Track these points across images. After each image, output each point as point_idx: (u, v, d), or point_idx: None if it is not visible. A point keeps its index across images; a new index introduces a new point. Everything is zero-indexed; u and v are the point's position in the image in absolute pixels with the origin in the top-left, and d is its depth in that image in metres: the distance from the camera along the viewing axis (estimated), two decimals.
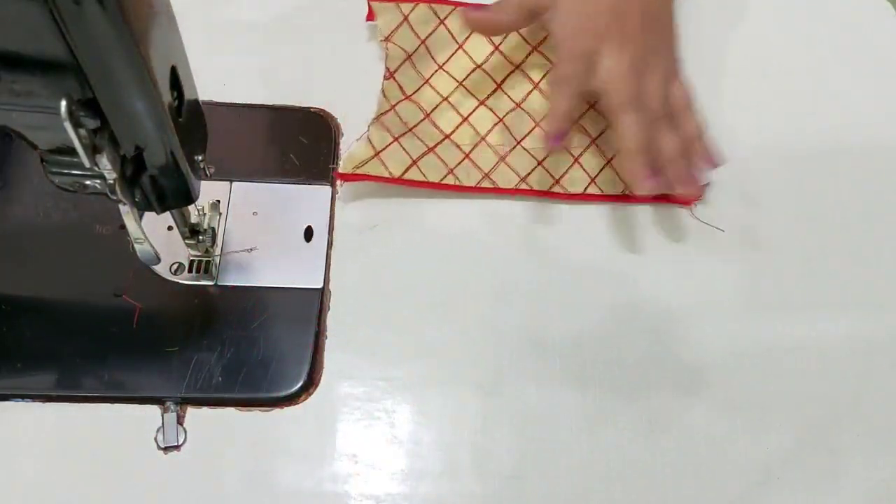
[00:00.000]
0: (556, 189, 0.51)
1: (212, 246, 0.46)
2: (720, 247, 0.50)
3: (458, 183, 0.50)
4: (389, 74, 0.53)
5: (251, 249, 0.47)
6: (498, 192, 0.50)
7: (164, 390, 0.43)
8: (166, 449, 0.42)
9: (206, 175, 0.39)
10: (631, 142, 0.47)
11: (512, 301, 0.48)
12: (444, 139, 0.51)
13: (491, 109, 0.53)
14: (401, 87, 0.53)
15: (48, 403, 0.43)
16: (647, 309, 0.48)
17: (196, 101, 0.38)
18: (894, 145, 0.55)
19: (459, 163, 0.51)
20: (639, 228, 0.51)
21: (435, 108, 0.53)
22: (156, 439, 0.42)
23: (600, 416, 0.45)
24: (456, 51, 0.54)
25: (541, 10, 0.50)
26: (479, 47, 0.54)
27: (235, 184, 0.49)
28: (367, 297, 0.47)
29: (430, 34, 0.55)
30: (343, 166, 0.49)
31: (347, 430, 0.44)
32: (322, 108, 0.53)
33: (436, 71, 0.54)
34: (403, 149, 0.50)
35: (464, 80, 0.54)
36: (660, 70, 0.49)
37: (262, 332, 0.45)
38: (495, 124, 0.52)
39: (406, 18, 0.54)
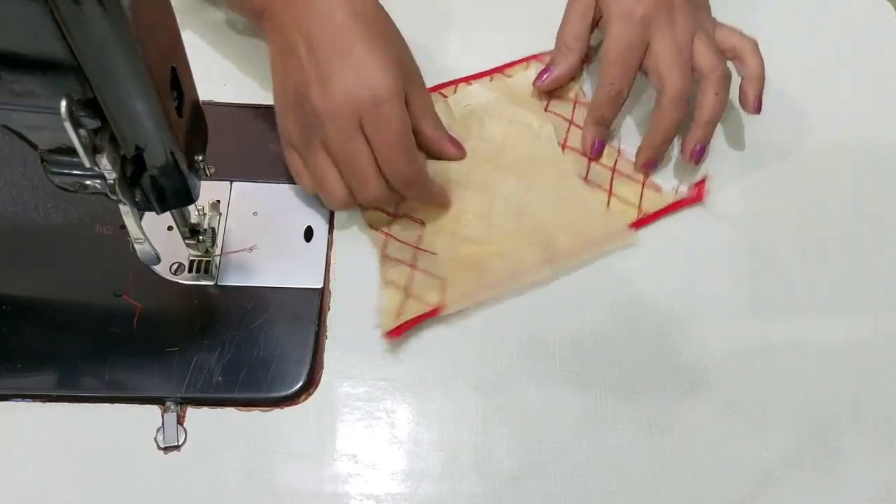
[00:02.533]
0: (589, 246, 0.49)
1: (212, 246, 0.46)
2: (720, 247, 0.50)
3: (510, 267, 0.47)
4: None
5: (251, 249, 0.47)
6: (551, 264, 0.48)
7: (165, 390, 0.43)
8: (166, 449, 0.42)
9: (206, 175, 0.39)
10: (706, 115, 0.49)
11: (512, 301, 0.48)
12: (462, 246, 0.48)
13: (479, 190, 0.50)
14: (383, 211, 0.49)
15: (48, 403, 0.43)
16: (647, 309, 0.48)
17: (196, 101, 0.38)
18: (894, 145, 0.55)
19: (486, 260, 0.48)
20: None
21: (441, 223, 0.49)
22: (156, 439, 0.42)
23: (600, 416, 0.45)
24: None
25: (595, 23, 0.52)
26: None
27: (235, 184, 0.49)
28: (367, 297, 0.47)
29: None
30: (383, 325, 0.45)
31: (347, 430, 0.44)
32: None
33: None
34: (424, 270, 0.47)
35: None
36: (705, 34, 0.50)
37: (262, 332, 0.45)
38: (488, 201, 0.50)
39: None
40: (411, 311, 0.45)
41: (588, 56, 0.54)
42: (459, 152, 0.50)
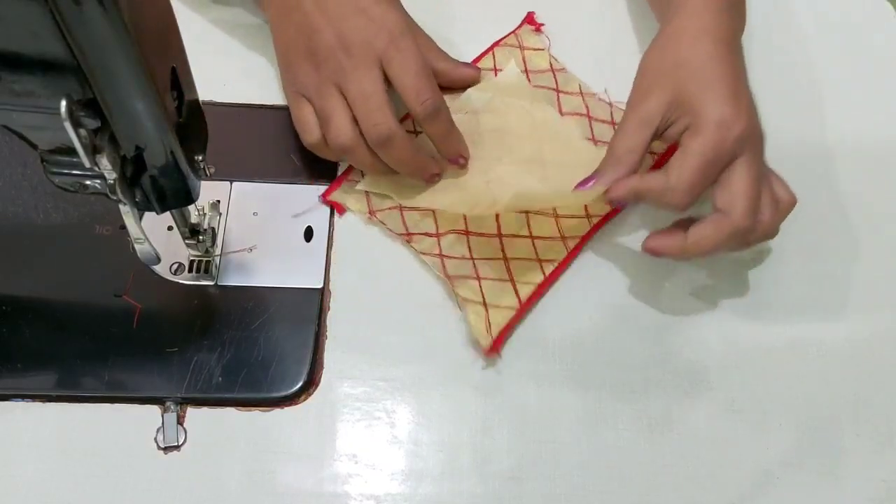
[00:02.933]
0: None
1: (212, 246, 0.46)
2: None
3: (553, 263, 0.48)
4: (408, 237, 0.49)
5: (251, 249, 0.47)
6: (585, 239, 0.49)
7: (164, 390, 0.43)
8: (166, 449, 0.42)
9: (206, 175, 0.39)
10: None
11: None
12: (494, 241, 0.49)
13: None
14: (426, 234, 0.49)
15: (48, 403, 0.43)
16: (647, 309, 0.48)
17: (196, 101, 0.38)
18: (894, 145, 0.55)
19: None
20: (639, 228, 0.51)
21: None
22: (156, 439, 0.42)
23: (600, 416, 0.45)
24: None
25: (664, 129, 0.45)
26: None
27: (235, 184, 0.49)
28: (367, 297, 0.47)
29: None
30: (481, 344, 0.45)
31: (347, 430, 0.44)
32: None
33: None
34: (488, 278, 0.47)
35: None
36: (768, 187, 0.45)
37: (262, 332, 0.45)
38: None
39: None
40: (498, 321, 0.46)
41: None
42: (476, 72, 0.53)
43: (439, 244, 0.48)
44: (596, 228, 0.50)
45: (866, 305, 0.49)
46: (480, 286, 0.47)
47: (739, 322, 0.48)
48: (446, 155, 0.49)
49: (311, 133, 0.47)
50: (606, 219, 0.50)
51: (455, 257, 0.48)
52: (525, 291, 0.47)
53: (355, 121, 0.45)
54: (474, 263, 0.48)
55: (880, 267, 0.50)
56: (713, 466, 0.44)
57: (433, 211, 0.49)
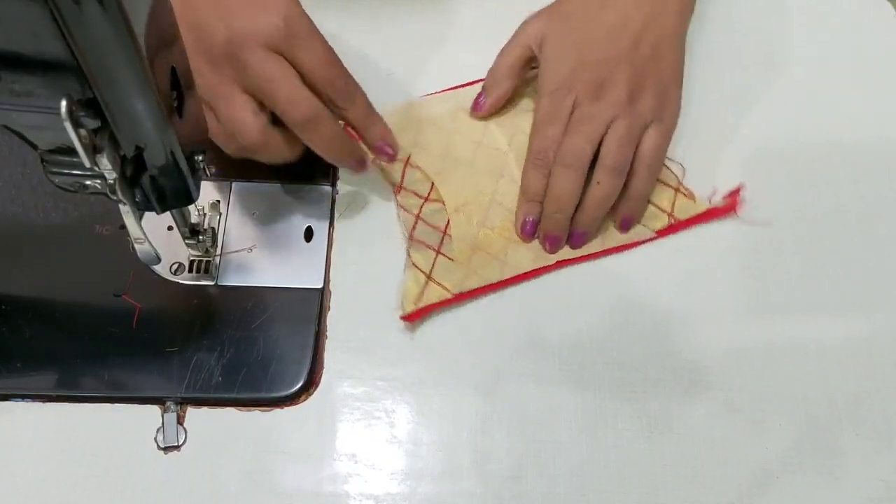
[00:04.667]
0: (611, 244, 0.49)
1: (212, 246, 0.46)
2: (720, 247, 0.50)
3: (516, 272, 0.48)
4: (398, 188, 0.50)
5: (251, 249, 0.47)
6: (558, 266, 0.48)
7: (164, 390, 0.43)
8: (166, 449, 0.42)
9: (206, 175, 0.39)
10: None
11: (512, 301, 0.48)
12: (480, 230, 0.49)
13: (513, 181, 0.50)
14: (415, 194, 0.50)
15: (48, 403, 0.43)
16: (647, 309, 0.48)
17: (196, 101, 0.38)
18: (894, 145, 0.55)
19: (504, 247, 0.49)
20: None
21: (460, 203, 0.50)
22: (156, 439, 0.42)
23: (600, 416, 0.45)
24: (452, 136, 0.52)
25: (529, 60, 0.51)
26: (474, 128, 0.52)
27: (235, 184, 0.49)
28: (367, 297, 0.47)
29: (421, 131, 0.52)
30: (403, 307, 0.46)
31: (347, 430, 0.44)
32: None
33: (440, 170, 0.51)
34: (449, 258, 0.47)
35: (472, 160, 0.51)
36: (633, 129, 0.48)
37: (262, 332, 0.45)
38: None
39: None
40: (430, 298, 0.46)
41: None
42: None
43: (421, 208, 0.49)
44: (568, 262, 0.49)
45: (866, 305, 0.49)
46: (435, 260, 0.47)
47: (739, 322, 0.48)
48: (371, 142, 0.47)
49: (220, 137, 0.43)
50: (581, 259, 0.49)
51: (429, 225, 0.48)
52: (472, 284, 0.47)
53: (262, 112, 0.42)
54: (443, 239, 0.48)
55: (880, 267, 0.50)
56: (713, 466, 0.44)
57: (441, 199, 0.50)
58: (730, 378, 0.46)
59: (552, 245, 0.48)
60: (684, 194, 0.51)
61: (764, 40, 0.58)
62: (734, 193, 0.51)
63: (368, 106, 0.46)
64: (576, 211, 0.48)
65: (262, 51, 0.41)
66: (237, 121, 0.42)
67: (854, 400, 0.46)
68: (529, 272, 0.48)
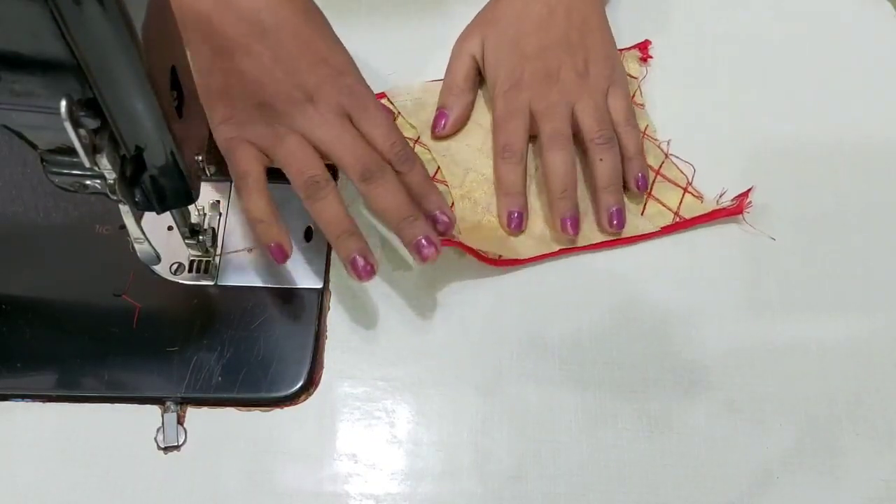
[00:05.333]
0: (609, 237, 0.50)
1: (212, 246, 0.46)
2: (720, 247, 0.50)
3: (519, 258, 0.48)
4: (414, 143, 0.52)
5: (251, 249, 0.47)
6: (560, 254, 0.49)
7: (164, 390, 0.43)
8: (166, 449, 0.42)
9: (206, 175, 0.39)
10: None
11: (512, 301, 0.48)
12: (484, 216, 0.50)
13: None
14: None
15: (48, 403, 0.43)
16: (647, 309, 0.48)
17: (196, 101, 0.38)
18: (894, 145, 0.55)
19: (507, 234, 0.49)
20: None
21: (466, 191, 0.51)
22: (156, 439, 0.42)
23: (600, 416, 0.45)
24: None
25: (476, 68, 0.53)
26: (484, 114, 0.53)
27: None
28: (367, 297, 0.47)
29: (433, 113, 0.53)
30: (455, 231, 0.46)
31: (347, 430, 0.44)
32: None
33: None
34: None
35: (480, 147, 0.52)
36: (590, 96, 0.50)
37: (262, 332, 0.45)
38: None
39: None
40: (470, 239, 0.47)
41: None
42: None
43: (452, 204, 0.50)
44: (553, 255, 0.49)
45: (866, 305, 0.49)
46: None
47: (739, 322, 0.48)
48: (427, 209, 0.45)
49: (310, 166, 0.44)
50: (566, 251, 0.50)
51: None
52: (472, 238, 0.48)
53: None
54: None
55: (880, 267, 0.50)
56: (713, 466, 0.44)
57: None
58: (730, 378, 0.46)
59: (573, 226, 0.48)
60: (693, 194, 0.51)
61: (763, 40, 0.58)
62: (742, 196, 0.50)
63: (425, 171, 0.46)
64: (599, 194, 0.49)
65: (332, 107, 0.44)
66: (299, 158, 0.44)
67: (854, 400, 0.46)
68: (535, 257, 0.49)
